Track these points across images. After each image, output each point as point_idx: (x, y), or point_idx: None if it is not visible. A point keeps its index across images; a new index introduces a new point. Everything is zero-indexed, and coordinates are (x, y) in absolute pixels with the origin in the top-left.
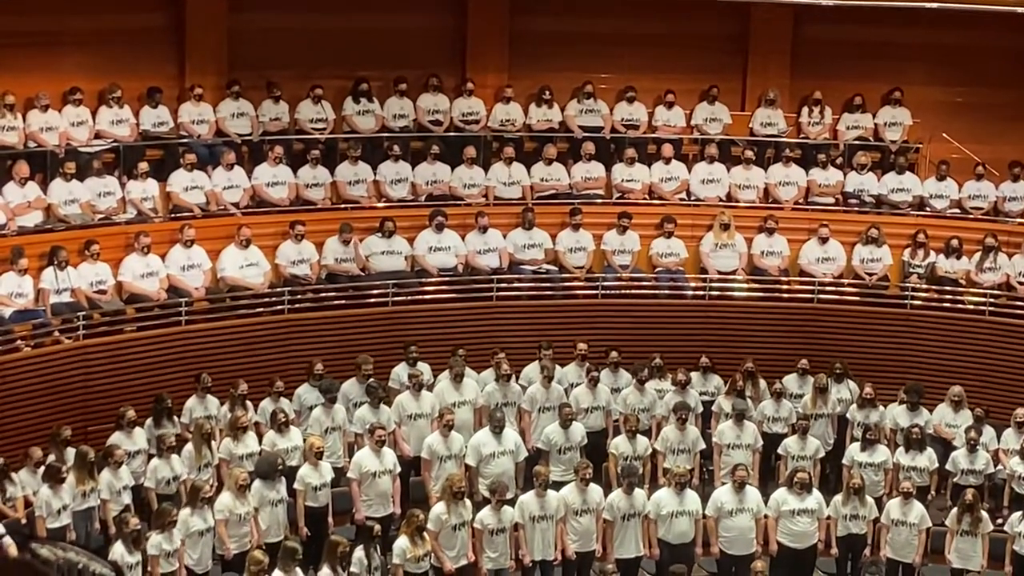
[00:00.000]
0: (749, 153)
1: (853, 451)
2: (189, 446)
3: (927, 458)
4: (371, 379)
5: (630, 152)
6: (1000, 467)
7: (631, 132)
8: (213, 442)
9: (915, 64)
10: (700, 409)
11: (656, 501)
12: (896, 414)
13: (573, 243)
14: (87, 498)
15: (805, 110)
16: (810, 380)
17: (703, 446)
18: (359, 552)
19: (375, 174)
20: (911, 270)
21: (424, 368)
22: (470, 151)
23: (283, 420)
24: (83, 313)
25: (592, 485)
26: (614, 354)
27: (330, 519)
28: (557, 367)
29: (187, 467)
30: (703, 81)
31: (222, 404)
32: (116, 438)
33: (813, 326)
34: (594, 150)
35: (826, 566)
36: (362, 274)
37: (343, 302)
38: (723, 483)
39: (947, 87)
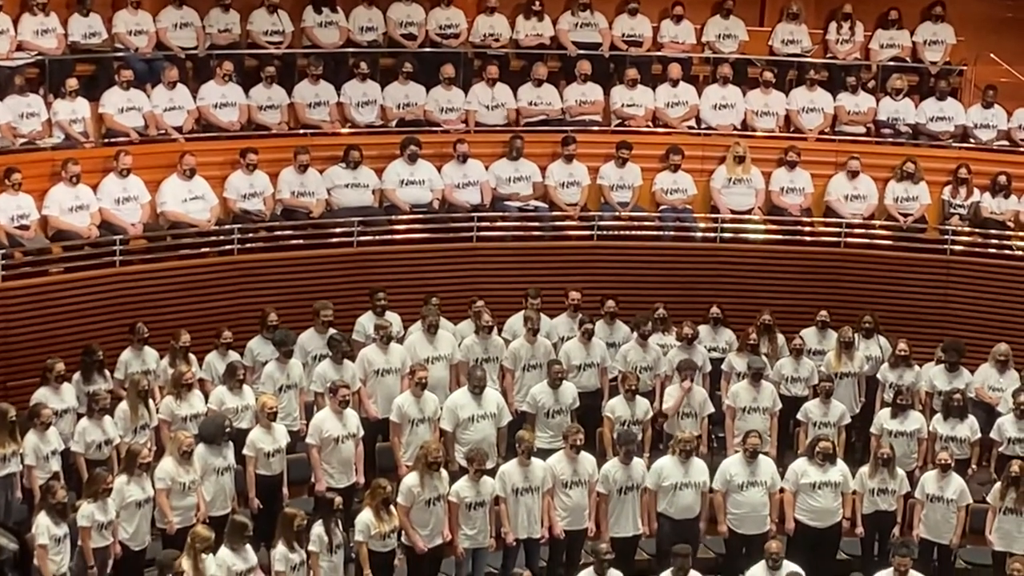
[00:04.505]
0: (768, 75)
1: (883, 417)
2: (124, 405)
3: (968, 428)
4: (332, 330)
5: (632, 73)
6: None
7: (633, 50)
8: (151, 401)
9: None
10: (708, 368)
11: (658, 471)
12: (933, 375)
13: (565, 177)
14: (7, 463)
15: (833, 26)
16: (831, 335)
17: (711, 409)
18: (318, 528)
19: (339, 95)
20: (952, 210)
21: (393, 318)
22: (448, 70)
23: (242, 376)
24: (2, 252)
25: (583, 454)
26: (610, 303)
27: (284, 490)
28: (545, 318)
29: (121, 429)
30: None
31: (161, 357)
32: (41, 395)
33: (839, 273)
34: (590, 70)
35: (850, 547)
36: (324, 210)
37: (301, 242)
38: (736, 451)
39: (995, 0)
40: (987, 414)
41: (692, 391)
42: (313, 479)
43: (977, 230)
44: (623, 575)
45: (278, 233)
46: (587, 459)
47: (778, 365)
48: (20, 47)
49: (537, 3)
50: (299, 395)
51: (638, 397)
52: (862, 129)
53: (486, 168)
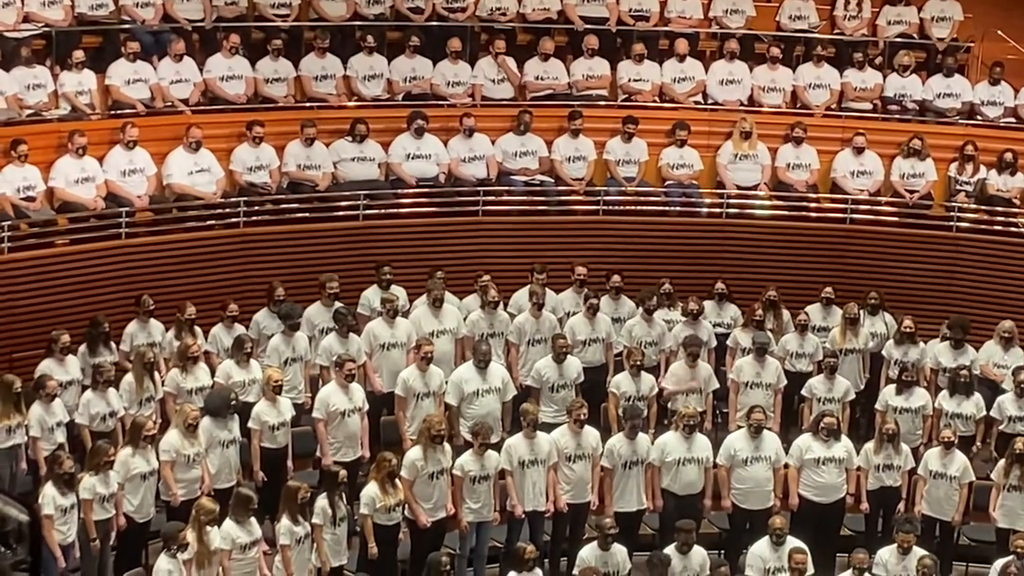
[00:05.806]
0: (775, 50)
1: (888, 394)
2: (129, 377)
3: (974, 404)
4: (338, 303)
5: (638, 47)
6: None
7: (640, 24)
8: (157, 373)
9: None
10: (714, 343)
11: (661, 446)
12: (938, 352)
13: (572, 151)
14: (12, 434)
15: (840, 1)
16: (835, 311)
17: (716, 385)
18: (322, 501)
19: (345, 69)
20: (958, 187)
21: (399, 292)
22: (455, 44)
23: (249, 349)
24: (8, 223)
25: (587, 428)
26: (616, 278)
27: (289, 463)
28: (551, 293)
29: (126, 401)
30: None
31: (167, 330)
32: (46, 366)
33: (845, 250)
34: (597, 45)
35: (854, 523)
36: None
37: (307, 215)
38: (739, 427)
39: None
40: (992, 391)
41: (697, 366)
42: (319, 453)
43: (983, 207)
44: (627, 550)
45: (284, 206)
46: (591, 433)
47: (783, 341)
48: (27, 18)
49: None
50: (304, 368)
51: (643, 373)
52: (869, 105)
53: (492, 142)
